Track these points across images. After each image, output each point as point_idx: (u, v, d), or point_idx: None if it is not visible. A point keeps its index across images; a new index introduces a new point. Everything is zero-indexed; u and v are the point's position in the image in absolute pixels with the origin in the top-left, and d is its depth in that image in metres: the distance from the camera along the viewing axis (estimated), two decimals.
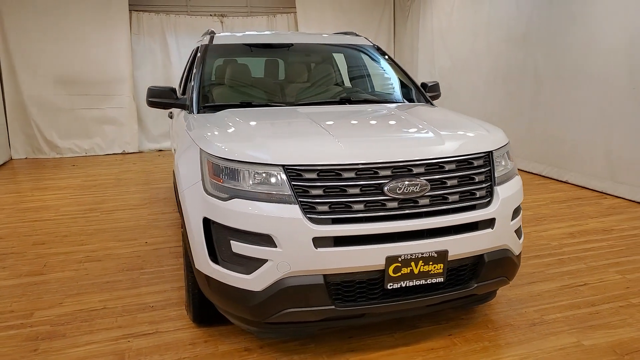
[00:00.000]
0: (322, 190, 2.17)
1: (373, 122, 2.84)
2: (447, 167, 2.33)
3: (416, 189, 2.22)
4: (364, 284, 2.24)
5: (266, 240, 2.15)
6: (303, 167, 2.19)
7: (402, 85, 3.67)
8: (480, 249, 2.36)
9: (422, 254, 2.22)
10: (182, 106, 3.34)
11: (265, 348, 2.60)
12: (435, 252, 2.24)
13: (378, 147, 2.30)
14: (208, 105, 3.19)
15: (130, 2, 9.01)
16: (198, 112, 3.11)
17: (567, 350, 2.53)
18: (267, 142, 2.34)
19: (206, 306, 2.64)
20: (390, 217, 2.20)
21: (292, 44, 3.84)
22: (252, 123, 2.71)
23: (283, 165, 2.19)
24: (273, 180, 2.19)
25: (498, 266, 2.45)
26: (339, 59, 4.00)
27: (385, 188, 2.19)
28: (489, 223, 2.37)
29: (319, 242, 2.13)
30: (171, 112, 5.07)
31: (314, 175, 2.18)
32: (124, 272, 3.64)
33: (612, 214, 4.78)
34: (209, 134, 2.52)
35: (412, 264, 2.22)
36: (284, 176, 2.18)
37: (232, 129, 2.58)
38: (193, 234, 2.39)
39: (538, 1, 6.37)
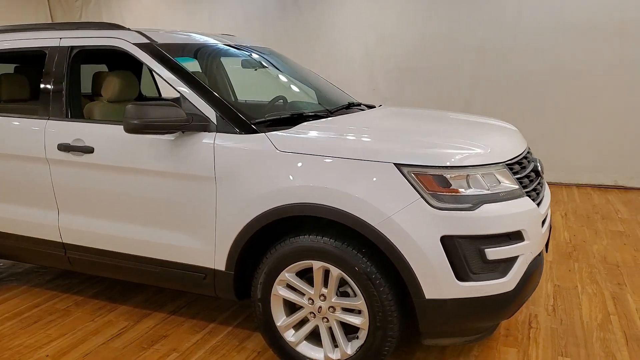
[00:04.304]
0: (522, 180, 2.35)
1: (460, 122, 2.95)
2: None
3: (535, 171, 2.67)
4: None
5: (516, 236, 2.17)
6: (512, 162, 2.30)
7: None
8: None
9: None
10: (201, 127, 2.41)
11: None
12: None
13: (517, 140, 2.62)
14: (260, 122, 2.46)
15: None
16: (253, 132, 2.37)
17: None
18: (483, 144, 2.29)
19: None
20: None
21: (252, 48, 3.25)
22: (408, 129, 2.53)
23: (504, 162, 2.24)
24: (503, 178, 2.20)
25: None
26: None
27: (527, 172, 2.55)
28: None
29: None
30: None
31: (516, 168, 2.34)
32: None
33: None
34: (410, 144, 2.17)
35: None
36: (508, 172, 2.24)
37: (419, 137, 2.27)
38: (426, 258, 2.05)
39: (269, 18, 7.12)
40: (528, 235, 2.19)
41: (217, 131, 2.41)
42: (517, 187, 2.23)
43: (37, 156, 2.80)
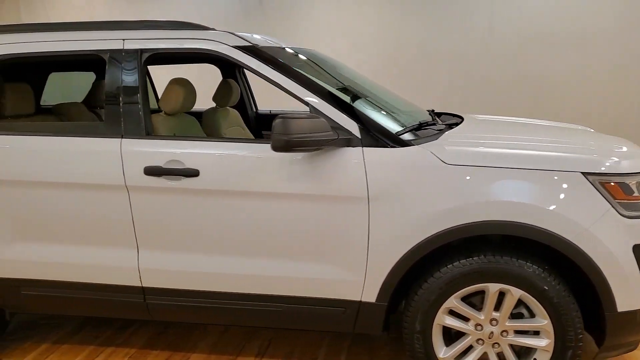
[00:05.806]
0: None
1: (576, 131, 2.92)
2: None
3: None
4: None
5: None
6: None
7: None
8: None
9: None
10: (345, 142, 2.10)
11: None
12: None
13: None
14: (401, 132, 2.20)
15: None
16: (404, 144, 2.12)
17: None
18: (631, 149, 2.32)
19: None
20: None
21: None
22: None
23: None
24: None
25: None
26: None
27: None
28: None
29: None
30: None
31: None
32: None
33: None
34: (590, 153, 2.12)
35: None
36: None
37: (587, 145, 2.20)
38: (621, 269, 1.98)
39: (231, 21, 6.68)
40: None
41: (363, 145, 2.12)
42: None
43: (111, 183, 2.25)
